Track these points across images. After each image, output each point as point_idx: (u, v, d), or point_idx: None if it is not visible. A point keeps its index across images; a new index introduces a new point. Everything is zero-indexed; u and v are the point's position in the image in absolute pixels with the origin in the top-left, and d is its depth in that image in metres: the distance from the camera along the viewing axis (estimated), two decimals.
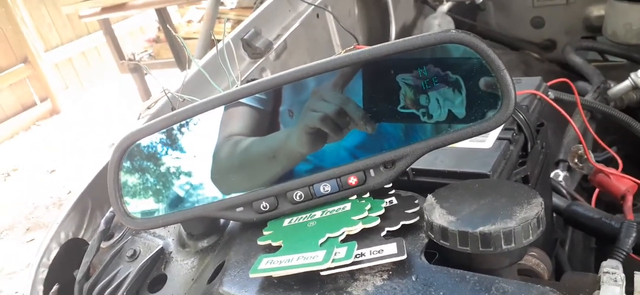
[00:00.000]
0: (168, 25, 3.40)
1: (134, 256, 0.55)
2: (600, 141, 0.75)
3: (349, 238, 0.43)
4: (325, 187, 0.48)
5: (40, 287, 0.56)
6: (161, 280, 0.53)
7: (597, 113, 0.95)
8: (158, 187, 0.52)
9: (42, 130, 4.38)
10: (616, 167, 0.77)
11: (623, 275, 0.41)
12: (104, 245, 0.58)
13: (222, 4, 3.65)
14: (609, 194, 0.72)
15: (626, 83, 1.09)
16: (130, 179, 0.51)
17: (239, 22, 4.12)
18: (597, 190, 0.73)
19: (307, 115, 0.48)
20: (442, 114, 0.45)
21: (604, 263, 0.43)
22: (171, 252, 0.55)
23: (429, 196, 0.44)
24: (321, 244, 0.42)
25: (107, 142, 3.53)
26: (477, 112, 0.45)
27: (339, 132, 0.48)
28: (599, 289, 0.40)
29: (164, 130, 0.50)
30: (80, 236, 0.61)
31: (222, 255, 0.50)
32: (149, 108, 0.68)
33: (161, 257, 0.55)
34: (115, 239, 0.58)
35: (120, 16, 4.58)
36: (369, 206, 0.46)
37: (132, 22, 5.01)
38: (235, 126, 0.51)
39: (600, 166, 0.69)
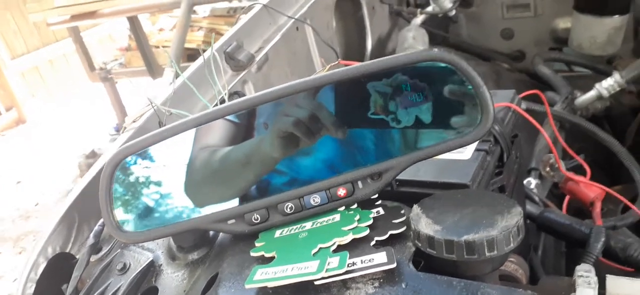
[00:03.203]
0: (152, 37, 3.38)
1: (124, 269, 0.55)
2: (569, 150, 0.79)
3: (340, 248, 0.45)
4: (315, 199, 0.49)
5: None
6: (152, 292, 0.54)
7: (565, 122, 1.00)
8: (149, 200, 0.53)
9: (7, 140, 4.26)
10: (584, 173, 0.81)
11: (596, 278, 0.44)
12: (92, 259, 0.58)
13: (194, 12, 3.64)
14: (578, 201, 0.76)
15: (591, 93, 1.15)
16: (122, 193, 0.52)
17: (212, 30, 4.08)
18: (567, 197, 0.77)
19: (280, 119, 0.49)
20: (409, 119, 0.48)
21: (578, 267, 0.46)
22: (161, 265, 0.56)
23: (415, 207, 0.46)
24: (314, 254, 0.44)
25: (76, 152, 3.46)
26: (444, 118, 0.47)
27: (311, 137, 0.49)
28: (575, 291, 0.43)
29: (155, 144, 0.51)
30: (67, 250, 0.61)
31: (213, 267, 0.51)
32: (134, 122, 0.68)
33: (151, 269, 0.55)
34: (103, 252, 0.59)
35: (90, 24, 4.51)
36: (357, 217, 0.48)
37: (101, 30, 4.93)
38: (211, 138, 0.52)
39: (571, 174, 0.72)
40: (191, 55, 3.90)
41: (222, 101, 0.62)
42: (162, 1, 3.36)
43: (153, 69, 3.71)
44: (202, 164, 0.52)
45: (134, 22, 3.62)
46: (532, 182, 0.87)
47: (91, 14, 3.56)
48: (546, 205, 0.79)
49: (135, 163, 0.52)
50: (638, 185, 0.86)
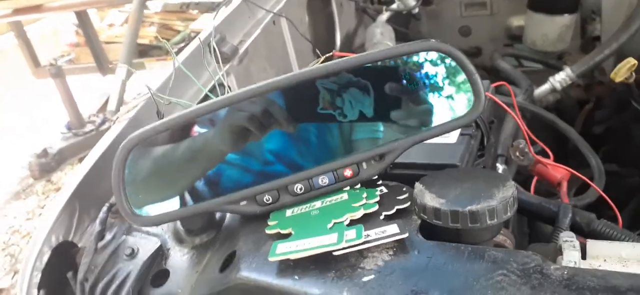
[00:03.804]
0: (101, 33, 3.28)
1: (133, 254, 0.57)
2: (534, 137, 0.85)
3: (352, 222, 0.48)
4: (323, 180, 0.53)
5: (34, 291, 0.56)
6: (163, 275, 0.56)
7: (526, 113, 1.08)
8: (160, 185, 0.54)
9: None
10: (547, 159, 0.88)
11: (578, 242, 0.50)
12: None
13: (146, 7, 3.56)
14: (546, 182, 0.82)
15: (546, 86, 1.23)
16: (134, 179, 0.53)
17: (164, 25, 3.99)
18: (535, 179, 0.84)
19: (233, 114, 0.52)
20: (354, 113, 0.53)
21: (561, 234, 0.51)
22: (169, 249, 0.58)
23: (417, 184, 0.51)
24: (330, 228, 0.47)
25: (22, 152, 3.31)
26: (385, 112, 0.53)
27: (263, 131, 0.53)
28: (561, 254, 0.49)
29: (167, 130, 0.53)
30: (69, 239, 0.61)
31: (227, 248, 0.53)
32: (128, 111, 0.69)
33: (160, 253, 0.57)
34: (107, 239, 0.60)
35: (31, 19, 4.33)
36: (365, 194, 0.51)
37: (44, 25, 4.74)
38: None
39: (539, 158, 0.79)
40: (143, 51, 3.82)
41: (220, 84, 0.64)
42: None
43: (103, 66, 3.61)
44: (142, 163, 0.53)
45: (82, 17, 3.51)
46: (499, 167, 0.94)
47: (36, 8, 3.42)
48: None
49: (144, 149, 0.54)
50: (593, 169, 0.94)
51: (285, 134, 0.54)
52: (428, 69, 0.53)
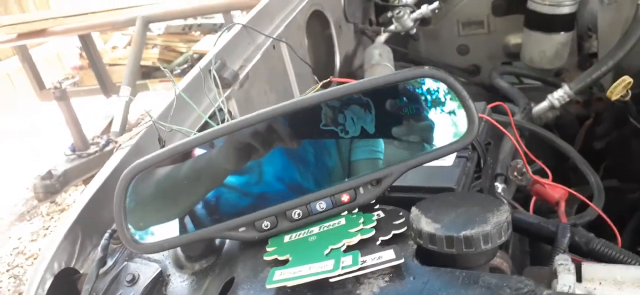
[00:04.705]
0: (104, 56, 3.31)
1: (134, 281, 0.57)
2: (532, 156, 0.86)
3: (349, 248, 0.49)
4: (321, 205, 0.54)
5: None
6: None
7: (525, 131, 1.08)
8: (164, 207, 0.55)
9: None
10: (546, 177, 0.89)
11: (573, 265, 0.50)
12: None
13: (149, 30, 3.60)
14: (544, 202, 0.83)
15: (545, 104, 1.24)
16: (136, 203, 0.54)
17: (167, 47, 4.03)
18: (534, 199, 0.85)
19: (237, 132, 0.53)
20: (356, 130, 0.53)
21: (556, 257, 0.52)
22: (169, 275, 0.58)
23: (413, 208, 0.51)
24: (326, 254, 0.48)
25: (27, 174, 3.33)
26: (386, 129, 0.53)
27: (267, 148, 0.54)
28: (556, 277, 0.49)
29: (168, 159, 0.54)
30: (72, 265, 0.62)
31: (226, 274, 0.54)
32: (130, 139, 0.70)
33: (160, 279, 0.58)
34: (108, 266, 0.60)
35: (35, 43, 4.38)
36: (362, 219, 0.52)
37: (47, 49, 4.79)
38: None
39: (537, 178, 0.80)
40: (146, 72, 3.85)
41: (221, 109, 0.65)
42: (115, 19, 3.32)
43: (107, 88, 3.64)
44: (146, 187, 0.54)
45: (86, 41, 3.55)
46: (498, 186, 0.94)
47: (40, 32, 3.47)
48: (514, 207, 0.86)
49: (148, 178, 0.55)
50: (592, 187, 0.94)
51: (286, 154, 0.54)
52: (430, 85, 0.54)
